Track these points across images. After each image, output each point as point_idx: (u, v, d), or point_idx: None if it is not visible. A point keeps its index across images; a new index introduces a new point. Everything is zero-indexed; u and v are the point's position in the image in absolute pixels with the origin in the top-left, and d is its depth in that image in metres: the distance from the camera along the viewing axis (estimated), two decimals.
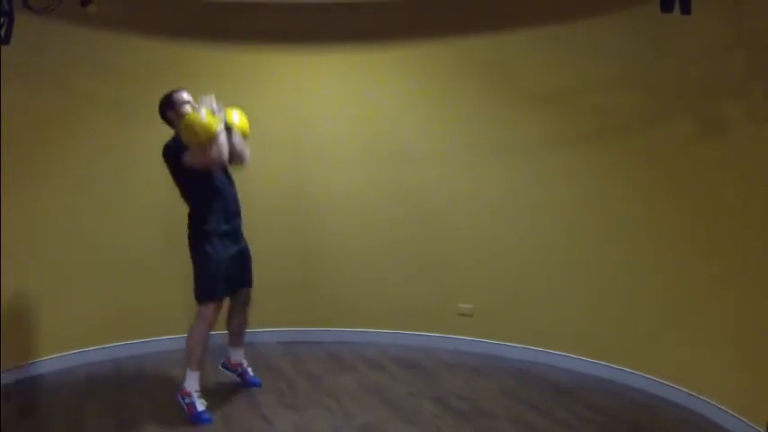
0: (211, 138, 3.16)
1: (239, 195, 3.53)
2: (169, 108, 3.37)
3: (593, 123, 3.99)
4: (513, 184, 4.32)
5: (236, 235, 3.50)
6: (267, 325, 4.61)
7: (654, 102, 3.68)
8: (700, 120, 3.42)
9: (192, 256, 3.39)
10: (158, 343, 4.41)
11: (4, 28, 3.10)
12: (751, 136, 3.12)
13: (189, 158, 3.24)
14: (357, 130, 4.65)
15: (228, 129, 3.32)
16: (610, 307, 3.94)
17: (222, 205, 3.39)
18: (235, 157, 3.40)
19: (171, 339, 4.40)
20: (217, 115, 3.26)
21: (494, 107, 4.34)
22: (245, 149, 3.47)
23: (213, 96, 3.30)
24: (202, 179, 3.31)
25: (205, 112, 3.19)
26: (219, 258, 3.36)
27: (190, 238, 3.39)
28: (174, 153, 3.28)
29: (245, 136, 3.47)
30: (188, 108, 3.33)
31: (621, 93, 3.83)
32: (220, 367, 3.81)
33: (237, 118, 3.43)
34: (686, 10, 2.94)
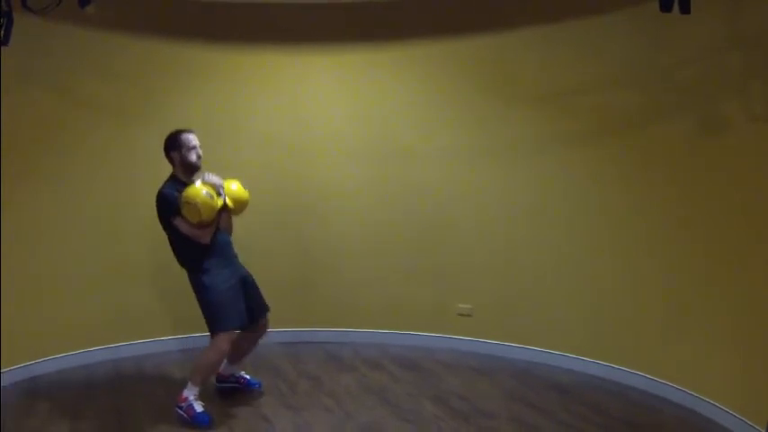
0: (209, 218, 3.18)
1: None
2: (174, 148, 3.32)
3: (592, 123, 3.98)
4: (513, 184, 4.31)
5: (231, 263, 3.46)
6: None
7: (652, 101, 3.68)
8: (698, 119, 3.42)
9: (196, 293, 3.36)
10: (158, 344, 4.41)
11: (3, 28, 3.10)
12: (750, 135, 3.12)
13: (178, 222, 3.23)
14: (356, 131, 4.65)
15: (223, 207, 3.32)
16: (610, 307, 3.94)
17: (212, 243, 3.34)
18: (224, 230, 3.42)
19: (170, 340, 4.40)
20: (218, 197, 3.25)
21: (494, 107, 4.33)
22: (232, 228, 3.49)
23: (213, 175, 3.28)
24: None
25: (206, 192, 3.16)
26: (220, 289, 3.32)
27: (189, 277, 3.38)
28: (167, 208, 3.24)
29: (243, 203, 3.44)
30: (193, 139, 3.33)
31: (621, 92, 3.82)
32: (216, 384, 3.72)
33: (236, 189, 3.40)
34: (685, 9, 2.93)
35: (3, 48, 3.20)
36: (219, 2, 4.36)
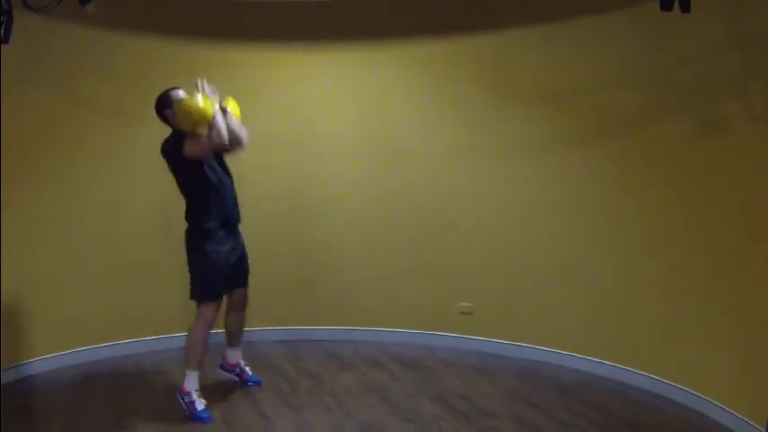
0: (208, 119, 3.17)
1: (237, 194, 3.53)
2: (166, 106, 3.35)
3: (592, 123, 3.98)
4: (514, 183, 4.32)
5: (233, 234, 3.50)
6: (267, 323, 4.61)
7: (652, 101, 3.68)
8: (698, 119, 3.42)
9: (191, 256, 3.36)
10: (157, 342, 4.41)
11: (3, 27, 3.10)
12: (750, 135, 3.12)
13: (188, 148, 3.22)
14: (356, 130, 4.65)
15: (224, 111, 3.32)
16: (610, 306, 3.94)
17: (221, 203, 3.38)
18: (232, 139, 3.33)
19: (170, 338, 4.40)
20: (211, 97, 3.27)
21: (494, 107, 4.34)
22: (243, 131, 3.41)
23: (205, 81, 3.30)
24: (202, 175, 3.30)
25: (200, 96, 3.20)
26: (220, 257, 3.35)
27: (189, 237, 3.37)
28: (173, 146, 3.27)
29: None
30: (182, 94, 3.33)
31: (621, 91, 3.83)
32: (219, 369, 3.80)
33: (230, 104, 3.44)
34: (686, 8, 2.94)
35: (3, 46, 3.20)
36: (220, 0, 4.35)
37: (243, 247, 3.58)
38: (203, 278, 3.35)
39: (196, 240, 3.35)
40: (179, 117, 3.21)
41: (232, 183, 3.50)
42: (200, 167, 3.29)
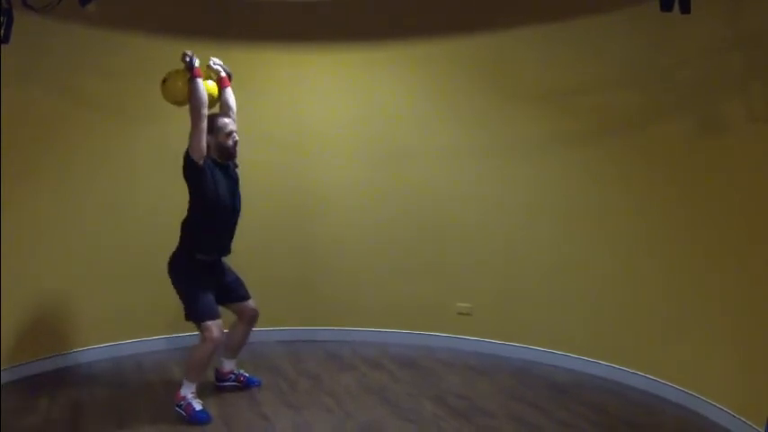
0: (180, 90, 3.26)
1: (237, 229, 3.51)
2: (209, 132, 3.26)
3: (592, 123, 3.98)
4: (513, 183, 4.32)
5: (218, 261, 3.48)
6: (267, 324, 4.59)
7: (652, 101, 3.68)
8: (698, 119, 3.42)
9: (178, 282, 3.35)
10: (157, 342, 4.42)
11: (3, 27, 3.10)
12: (750, 135, 3.12)
13: (191, 147, 3.19)
14: (356, 130, 4.66)
15: (228, 76, 3.50)
16: (610, 307, 3.94)
17: (219, 224, 3.36)
18: (225, 104, 3.48)
19: (170, 338, 4.41)
20: (214, 68, 3.44)
21: (493, 107, 4.34)
22: (231, 105, 3.52)
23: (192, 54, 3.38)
24: (207, 191, 3.27)
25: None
26: (206, 278, 3.36)
27: (177, 261, 3.36)
28: (184, 158, 3.27)
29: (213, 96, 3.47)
30: (228, 120, 3.38)
31: (621, 91, 3.83)
32: (216, 383, 3.74)
33: (211, 84, 3.45)
34: (686, 9, 2.94)
35: (3, 46, 3.19)
36: (220, 0, 4.35)
37: (226, 267, 3.55)
38: (195, 301, 3.31)
39: (183, 265, 3.34)
40: (164, 88, 3.29)
41: (234, 215, 3.45)
42: (210, 186, 3.26)
